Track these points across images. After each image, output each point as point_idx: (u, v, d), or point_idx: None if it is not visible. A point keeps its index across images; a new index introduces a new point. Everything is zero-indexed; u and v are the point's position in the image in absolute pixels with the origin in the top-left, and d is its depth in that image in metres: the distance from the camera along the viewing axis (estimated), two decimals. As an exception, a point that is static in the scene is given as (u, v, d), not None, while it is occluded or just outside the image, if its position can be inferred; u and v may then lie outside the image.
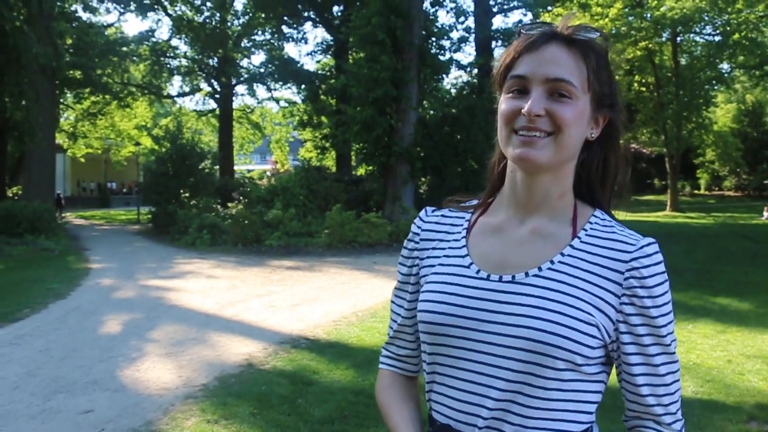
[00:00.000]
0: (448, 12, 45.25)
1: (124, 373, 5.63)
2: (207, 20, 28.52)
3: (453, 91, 22.53)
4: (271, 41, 30.04)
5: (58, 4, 20.87)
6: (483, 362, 1.09)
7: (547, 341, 1.04)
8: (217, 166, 24.71)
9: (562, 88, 1.08)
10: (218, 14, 28.42)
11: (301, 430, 4.25)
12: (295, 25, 29.42)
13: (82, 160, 38.24)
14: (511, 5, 26.53)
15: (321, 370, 5.61)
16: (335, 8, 26.58)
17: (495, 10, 26.29)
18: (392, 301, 1.35)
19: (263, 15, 27.73)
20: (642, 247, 1.10)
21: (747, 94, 39.34)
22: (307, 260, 13.77)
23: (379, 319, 7.69)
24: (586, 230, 1.15)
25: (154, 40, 28.32)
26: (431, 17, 20.30)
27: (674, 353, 1.11)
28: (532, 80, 1.09)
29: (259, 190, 19.90)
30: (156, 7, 27.83)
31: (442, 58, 19.75)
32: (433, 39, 19.27)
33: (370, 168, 19.10)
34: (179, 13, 29.10)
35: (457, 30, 25.39)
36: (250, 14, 28.65)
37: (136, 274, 11.86)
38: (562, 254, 1.12)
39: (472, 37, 25.56)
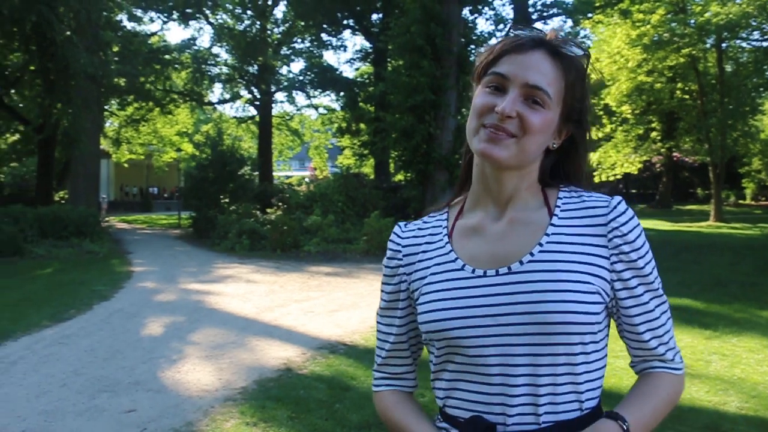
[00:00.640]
0: (487, 19, 45.01)
1: (166, 374, 5.74)
2: (247, 28, 28.90)
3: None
4: (311, 49, 30.30)
5: (105, 14, 21.36)
6: (501, 354, 1.13)
7: (561, 320, 1.09)
8: (257, 172, 24.97)
9: (537, 96, 1.13)
10: (258, 22, 28.79)
11: (339, 434, 4.27)
12: (334, 33, 29.62)
13: (126, 165, 39.09)
14: (551, 12, 26.32)
15: (358, 375, 5.64)
16: (374, 16, 26.71)
17: (534, 17, 26.10)
18: (379, 323, 1.36)
19: (303, 23, 28.01)
20: (615, 207, 1.17)
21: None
22: (345, 266, 13.83)
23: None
24: (559, 207, 1.21)
25: (195, 48, 28.78)
26: (470, 24, 20.26)
27: (660, 291, 1.20)
28: (511, 81, 1.14)
29: (298, 197, 20.07)
30: (198, 15, 28.30)
31: (481, 65, 19.65)
32: (472, 46, 19.23)
33: (409, 175, 19.08)
34: (220, 21, 29.56)
35: (496, 37, 25.23)
36: (290, 22, 28.98)
37: (177, 277, 12.06)
38: (547, 234, 1.18)
39: (510, 45, 25.40)
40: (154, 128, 34.59)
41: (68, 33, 17.08)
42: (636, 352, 1.22)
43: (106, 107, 28.46)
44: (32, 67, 20.63)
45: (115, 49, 23.55)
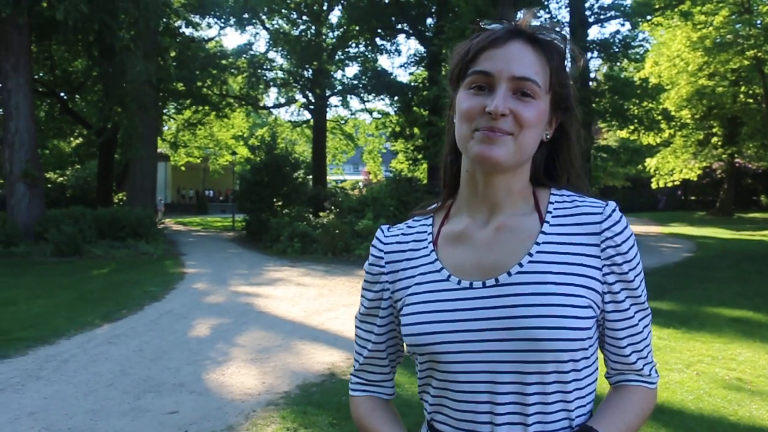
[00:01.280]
0: (542, 22, 44.61)
1: (210, 376, 5.77)
2: (303, 33, 29.21)
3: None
4: (365, 53, 30.41)
5: (163, 21, 21.87)
6: (488, 371, 1.07)
7: (551, 337, 1.02)
8: (310, 176, 25.16)
9: (526, 87, 1.07)
10: (314, 27, 29.07)
11: (379, 443, 4.19)
12: (388, 38, 29.68)
13: (183, 168, 39.98)
14: (608, 15, 25.72)
15: (403, 382, 5.55)
16: (428, 20, 26.65)
17: (591, 20, 25.56)
18: (358, 328, 1.31)
19: (357, 28, 28.14)
20: (610, 215, 1.11)
21: None
22: (394, 271, 13.75)
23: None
24: (551, 212, 1.14)
25: (251, 53, 29.18)
26: (525, 27, 20.00)
27: (646, 305, 1.16)
28: (496, 77, 1.07)
29: (350, 201, 20.09)
30: (254, 21, 28.73)
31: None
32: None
33: (460, 180, 18.96)
34: (276, 26, 29.95)
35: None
36: (345, 27, 29.13)
37: (228, 279, 12.20)
38: (537, 243, 1.10)
39: (567, 48, 24.98)
40: (211, 132, 35.25)
41: (128, 38, 17.54)
42: (614, 365, 1.18)
43: (164, 111, 29.14)
44: (95, 73, 21.29)
45: (173, 54, 24.10)
